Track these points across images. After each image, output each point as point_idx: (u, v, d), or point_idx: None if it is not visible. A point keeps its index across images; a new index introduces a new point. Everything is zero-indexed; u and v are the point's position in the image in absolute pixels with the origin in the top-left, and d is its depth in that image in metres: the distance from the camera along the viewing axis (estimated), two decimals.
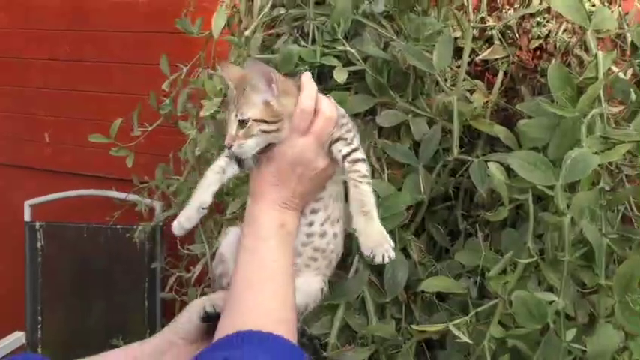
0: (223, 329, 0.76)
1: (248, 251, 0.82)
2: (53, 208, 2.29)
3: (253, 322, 0.76)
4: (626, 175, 1.12)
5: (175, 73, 1.46)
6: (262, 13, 1.20)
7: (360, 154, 0.83)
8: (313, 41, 1.10)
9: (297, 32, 1.16)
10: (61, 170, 2.39)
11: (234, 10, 1.36)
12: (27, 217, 2.25)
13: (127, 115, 1.62)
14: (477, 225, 1.08)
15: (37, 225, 2.22)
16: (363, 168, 0.83)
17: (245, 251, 0.83)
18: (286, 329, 0.76)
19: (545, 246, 0.88)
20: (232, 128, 0.79)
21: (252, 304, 0.79)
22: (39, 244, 2.20)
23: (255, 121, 0.78)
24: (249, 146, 0.78)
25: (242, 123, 0.78)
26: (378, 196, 1.07)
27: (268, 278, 0.81)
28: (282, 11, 1.20)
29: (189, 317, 0.87)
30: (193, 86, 1.33)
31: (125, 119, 1.59)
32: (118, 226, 2.05)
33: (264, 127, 0.78)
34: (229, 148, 0.79)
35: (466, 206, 1.20)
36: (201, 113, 1.23)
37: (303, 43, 1.11)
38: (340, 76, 1.04)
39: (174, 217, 1.59)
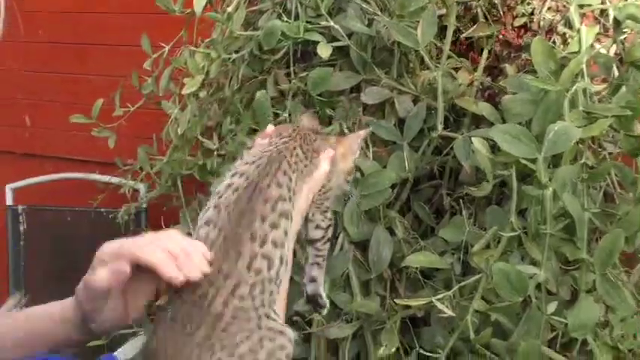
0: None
1: None
2: (35, 191, 2.26)
3: None
4: (609, 153, 1.13)
5: (157, 52, 1.43)
6: None
7: None
8: (296, 17, 1.09)
9: (280, 8, 1.15)
10: (42, 154, 2.36)
11: None
12: (9, 201, 2.22)
13: (109, 97, 1.60)
14: (462, 203, 1.08)
15: (20, 209, 2.19)
16: None
17: None
18: None
19: (528, 220, 0.88)
20: None
21: None
22: (21, 228, 2.18)
23: None
24: None
25: None
26: (362, 174, 1.08)
27: None
28: None
29: None
30: (176, 65, 1.31)
31: (106, 101, 1.57)
32: (102, 209, 2.02)
33: None
34: None
35: (451, 185, 1.20)
36: (184, 91, 1.21)
37: (286, 19, 1.10)
38: (324, 51, 1.04)
39: (159, 198, 1.59)
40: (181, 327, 0.71)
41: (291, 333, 0.74)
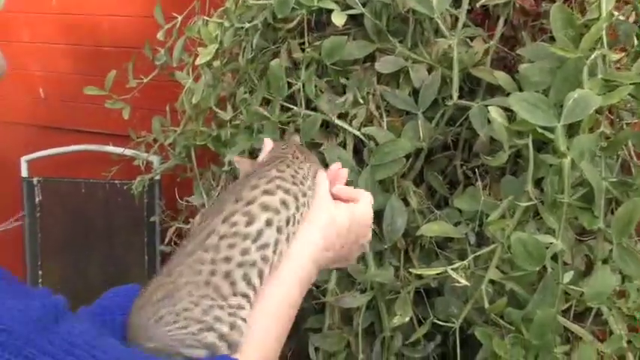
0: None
1: (302, 281, 0.73)
2: (50, 163, 2.28)
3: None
4: (627, 124, 1.11)
5: (170, 23, 1.43)
6: None
7: None
8: None
9: None
10: (56, 126, 2.37)
11: None
12: (24, 173, 2.24)
13: (122, 69, 1.59)
14: (477, 173, 1.08)
15: (35, 180, 2.21)
16: None
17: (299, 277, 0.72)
18: None
19: (545, 190, 0.88)
20: None
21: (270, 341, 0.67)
22: (37, 200, 2.20)
23: None
24: None
25: None
26: (376, 143, 1.07)
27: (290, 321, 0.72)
28: None
29: None
30: (189, 34, 1.31)
31: (120, 71, 1.57)
32: (116, 181, 2.04)
33: None
34: None
35: (465, 156, 1.19)
36: (197, 61, 1.21)
37: None
38: (338, 19, 1.02)
39: (173, 169, 1.60)
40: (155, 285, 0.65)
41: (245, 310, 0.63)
